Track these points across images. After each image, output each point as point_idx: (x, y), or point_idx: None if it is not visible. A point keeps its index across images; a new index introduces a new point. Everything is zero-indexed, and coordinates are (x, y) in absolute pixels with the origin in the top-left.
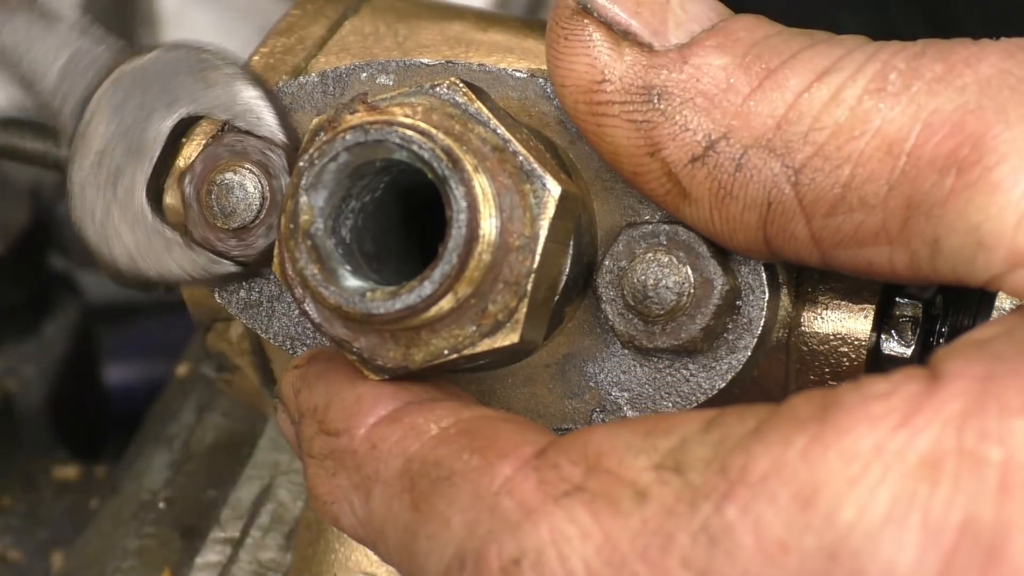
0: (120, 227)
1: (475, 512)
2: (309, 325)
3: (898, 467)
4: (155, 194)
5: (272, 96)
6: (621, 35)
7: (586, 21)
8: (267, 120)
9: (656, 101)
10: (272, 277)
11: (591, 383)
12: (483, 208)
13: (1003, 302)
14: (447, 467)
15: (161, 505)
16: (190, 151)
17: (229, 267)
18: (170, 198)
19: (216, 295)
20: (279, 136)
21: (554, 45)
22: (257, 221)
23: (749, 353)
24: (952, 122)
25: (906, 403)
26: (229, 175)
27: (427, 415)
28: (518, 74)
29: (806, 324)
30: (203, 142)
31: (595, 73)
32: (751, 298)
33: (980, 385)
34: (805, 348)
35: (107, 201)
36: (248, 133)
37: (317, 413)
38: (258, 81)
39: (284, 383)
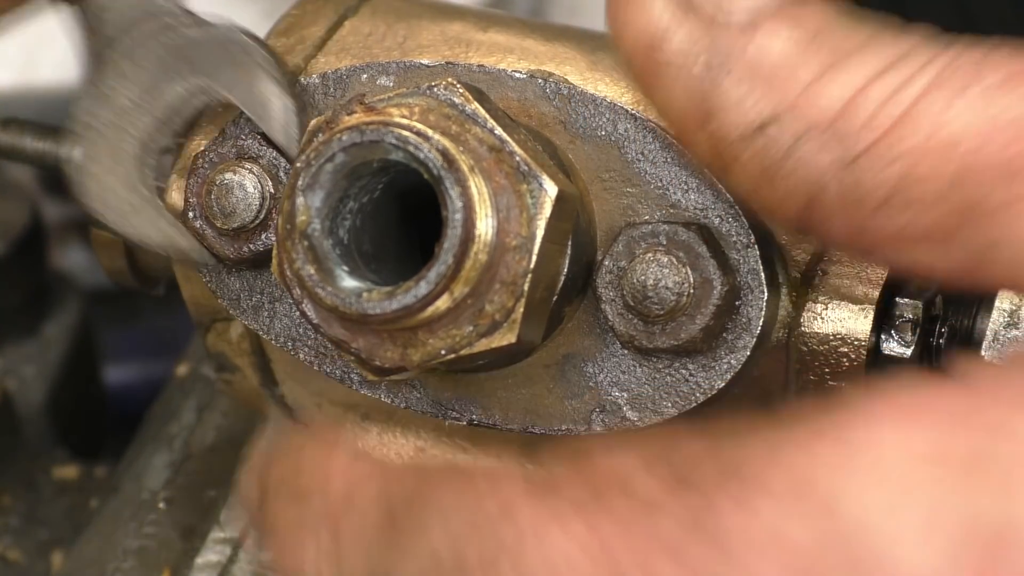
0: (102, 158)
1: (456, 517)
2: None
3: (900, 460)
4: (145, 152)
5: (299, 103)
6: (685, 5)
7: None
8: (276, 117)
9: (713, 73)
10: (273, 278)
11: (591, 383)
12: (479, 208)
13: (1003, 302)
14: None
15: (161, 505)
16: (198, 142)
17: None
18: (175, 193)
19: (219, 297)
20: (279, 137)
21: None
22: (257, 221)
23: (748, 353)
24: (1017, 127)
25: (913, 400)
26: (229, 175)
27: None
28: (518, 75)
29: (806, 324)
30: (210, 137)
31: (655, 31)
32: (750, 298)
33: (993, 383)
34: (805, 348)
35: (101, 127)
36: (260, 134)
37: (287, 480)
38: (286, 82)
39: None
